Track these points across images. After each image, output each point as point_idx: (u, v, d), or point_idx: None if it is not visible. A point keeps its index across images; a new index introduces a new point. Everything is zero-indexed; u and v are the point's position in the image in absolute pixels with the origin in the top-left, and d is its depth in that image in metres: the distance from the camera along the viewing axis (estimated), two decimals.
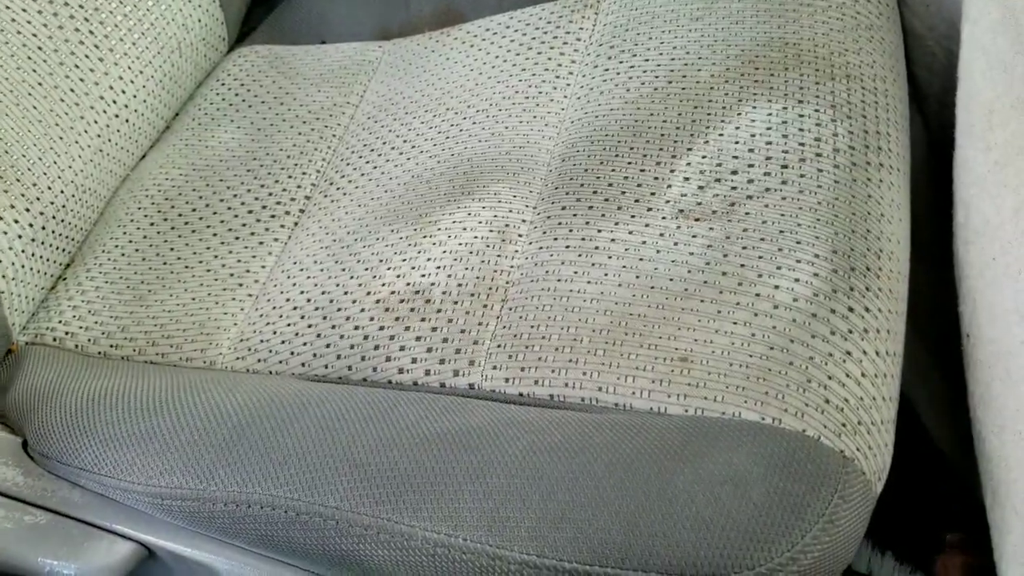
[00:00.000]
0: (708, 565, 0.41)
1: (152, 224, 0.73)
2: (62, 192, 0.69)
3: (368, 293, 0.61)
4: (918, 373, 0.79)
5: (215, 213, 0.72)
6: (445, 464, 0.47)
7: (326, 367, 0.59)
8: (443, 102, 0.73)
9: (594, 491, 0.44)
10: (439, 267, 0.61)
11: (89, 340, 0.66)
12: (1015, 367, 0.48)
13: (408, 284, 0.61)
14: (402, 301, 0.60)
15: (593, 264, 0.57)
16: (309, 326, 0.61)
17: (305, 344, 0.61)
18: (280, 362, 0.61)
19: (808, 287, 0.51)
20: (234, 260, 0.69)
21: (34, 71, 0.70)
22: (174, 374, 0.60)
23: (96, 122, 0.73)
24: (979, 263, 0.57)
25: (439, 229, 0.63)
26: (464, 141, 0.69)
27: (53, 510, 0.58)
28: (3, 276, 0.64)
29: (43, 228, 0.67)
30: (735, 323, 0.51)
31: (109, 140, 0.74)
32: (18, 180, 0.66)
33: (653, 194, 0.59)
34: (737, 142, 0.60)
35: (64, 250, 0.70)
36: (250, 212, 0.72)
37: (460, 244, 0.62)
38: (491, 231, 0.62)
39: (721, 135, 0.60)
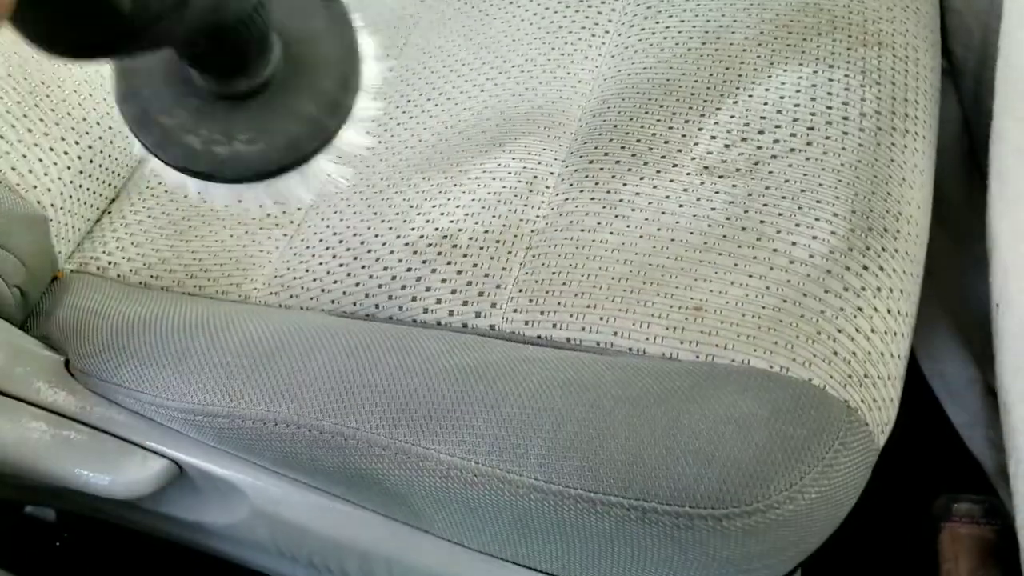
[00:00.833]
0: (707, 499, 0.43)
1: None
2: (110, 128, 0.72)
3: (398, 236, 0.63)
4: (936, 346, 0.80)
5: None
6: (461, 393, 0.49)
7: (354, 304, 0.61)
8: (480, 56, 0.75)
9: (602, 424, 0.46)
10: (467, 214, 0.63)
11: (131, 271, 0.69)
12: None
13: (436, 229, 0.63)
14: (430, 245, 0.62)
15: (616, 216, 0.58)
16: (340, 265, 0.64)
17: (335, 282, 0.63)
18: (311, 299, 0.63)
19: (825, 244, 0.52)
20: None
21: None
22: (210, 305, 0.63)
23: None
24: (1012, 233, 0.58)
25: (469, 178, 0.65)
26: (498, 95, 0.71)
27: (91, 425, 0.61)
28: (52, 205, 0.67)
29: (91, 162, 0.70)
30: (750, 276, 0.52)
31: None
32: (68, 115, 0.69)
33: (680, 151, 0.60)
34: (766, 103, 0.61)
35: (110, 184, 0.73)
36: None
37: (489, 193, 0.64)
38: (519, 182, 0.64)
39: (750, 96, 0.61)
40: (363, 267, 0.63)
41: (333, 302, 0.62)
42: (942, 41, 0.70)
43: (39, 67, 0.69)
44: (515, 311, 0.56)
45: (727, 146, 0.59)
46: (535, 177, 0.63)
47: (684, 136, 0.61)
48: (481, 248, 0.60)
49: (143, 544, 0.82)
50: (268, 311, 0.62)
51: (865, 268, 0.51)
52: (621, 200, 0.59)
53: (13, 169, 0.65)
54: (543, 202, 0.62)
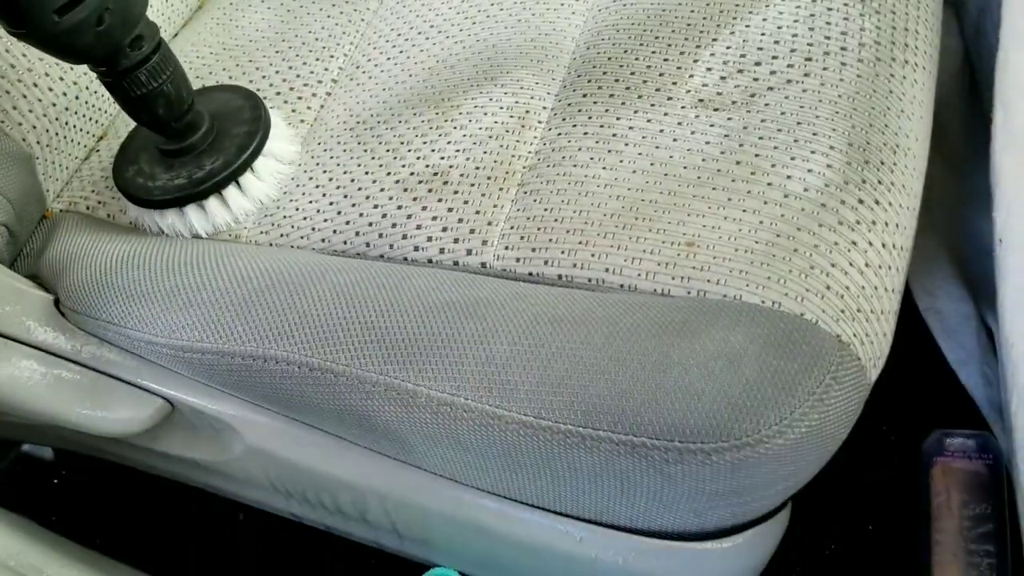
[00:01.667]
0: (696, 433, 0.43)
1: None
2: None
3: (388, 174, 0.63)
4: (932, 282, 0.80)
5: None
6: (451, 329, 0.49)
7: (345, 243, 0.61)
8: None
9: (592, 360, 0.45)
10: (458, 150, 0.62)
11: (120, 210, 0.68)
12: None
13: (427, 166, 0.62)
14: (420, 182, 0.61)
15: (609, 151, 0.57)
16: (331, 204, 0.63)
17: (326, 220, 0.62)
18: (301, 237, 0.63)
19: (820, 178, 0.51)
20: None
21: None
22: (199, 244, 0.62)
23: None
24: (1016, 168, 0.57)
25: (460, 113, 0.64)
26: (491, 27, 0.69)
27: (83, 364, 0.61)
28: (37, 143, 0.66)
29: (76, 98, 0.69)
30: (744, 211, 0.51)
31: None
32: None
33: (674, 83, 0.59)
34: (763, 34, 0.59)
35: (97, 121, 0.72)
36: (278, 94, 0.73)
37: (480, 128, 0.62)
38: (511, 116, 0.62)
39: (747, 26, 0.60)
40: (353, 205, 0.62)
41: (323, 241, 0.61)
42: None
43: None
44: (506, 248, 0.56)
45: (723, 78, 0.58)
46: (527, 112, 0.62)
47: (679, 68, 0.60)
48: (472, 185, 0.59)
49: (140, 481, 0.83)
50: (258, 249, 0.61)
51: (861, 202, 0.51)
52: (615, 135, 0.58)
53: None
54: (536, 137, 0.61)
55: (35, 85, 0.66)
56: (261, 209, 0.64)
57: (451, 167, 0.61)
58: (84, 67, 0.70)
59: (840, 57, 0.56)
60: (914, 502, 0.73)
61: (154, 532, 0.89)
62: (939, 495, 0.73)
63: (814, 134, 0.53)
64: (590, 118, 0.59)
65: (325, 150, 0.67)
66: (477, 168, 0.60)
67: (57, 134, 0.68)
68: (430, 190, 0.60)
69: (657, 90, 0.59)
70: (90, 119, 0.71)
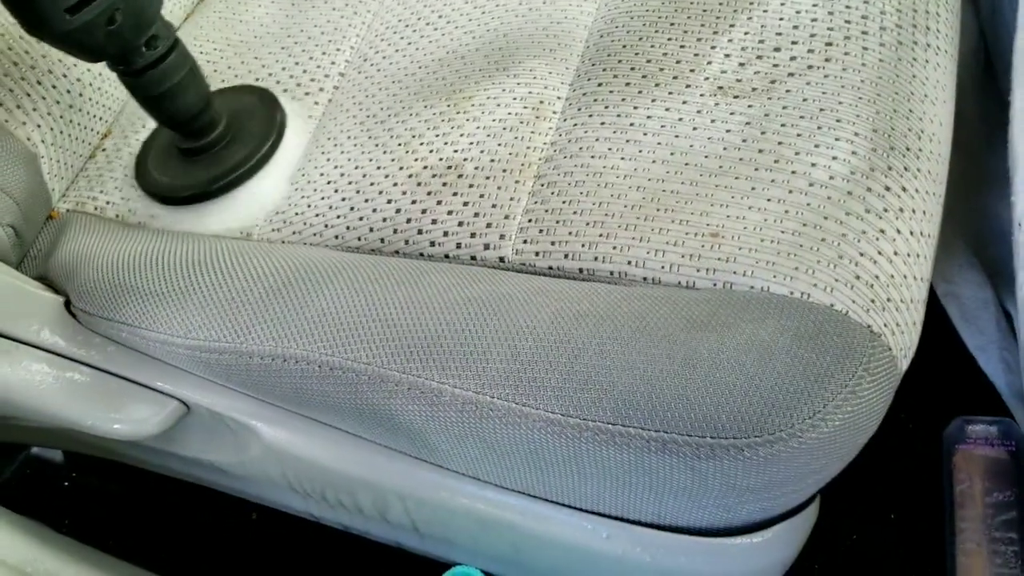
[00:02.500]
0: (728, 428, 0.42)
1: None
2: (88, 69, 0.69)
3: (401, 168, 0.61)
4: (950, 267, 0.79)
5: None
6: (474, 326, 0.48)
7: (359, 239, 0.60)
8: None
9: (619, 356, 0.44)
10: (472, 142, 0.61)
11: (129, 211, 0.67)
12: None
13: (441, 159, 0.61)
14: (434, 175, 0.60)
15: (628, 141, 0.56)
16: (343, 199, 0.62)
17: (339, 217, 0.61)
18: (315, 234, 0.62)
19: (845, 165, 0.50)
20: None
21: None
22: (212, 242, 0.61)
23: None
24: None
25: (473, 105, 0.63)
26: (500, 16, 0.68)
27: (95, 366, 0.60)
28: (42, 142, 0.65)
29: (80, 95, 0.68)
30: (769, 200, 0.50)
31: None
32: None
33: (692, 71, 0.58)
34: (782, 19, 0.58)
35: (101, 119, 0.71)
36: (285, 91, 0.71)
37: (494, 120, 0.61)
38: (525, 107, 0.61)
39: (766, 11, 0.59)
40: (366, 200, 0.61)
41: (337, 237, 0.60)
42: None
43: None
44: (525, 242, 0.55)
45: (742, 64, 0.57)
46: (541, 102, 0.61)
47: (697, 55, 0.59)
48: (487, 178, 0.58)
49: (152, 482, 0.82)
50: (272, 247, 0.60)
51: (887, 189, 0.50)
52: (632, 124, 0.57)
53: (1, 105, 0.63)
54: (551, 128, 0.60)
55: (39, 83, 0.65)
56: (275, 206, 0.63)
57: (465, 160, 0.60)
58: (87, 64, 0.69)
59: (862, 41, 0.55)
60: (936, 491, 0.73)
61: (167, 533, 0.88)
62: (961, 483, 0.72)
63: (838, 120, 0.52)
64: (606, 107, 0.58)
65: (335, 145, 0.66)
66: (492, 161, 0.59)
67: (62, 132, 0.67)
68: (444, 184, 0.59)
69: (674, 78, 0.58)
70: (94, 116, 0.70)
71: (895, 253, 0.48)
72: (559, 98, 0.61)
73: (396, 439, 0.54)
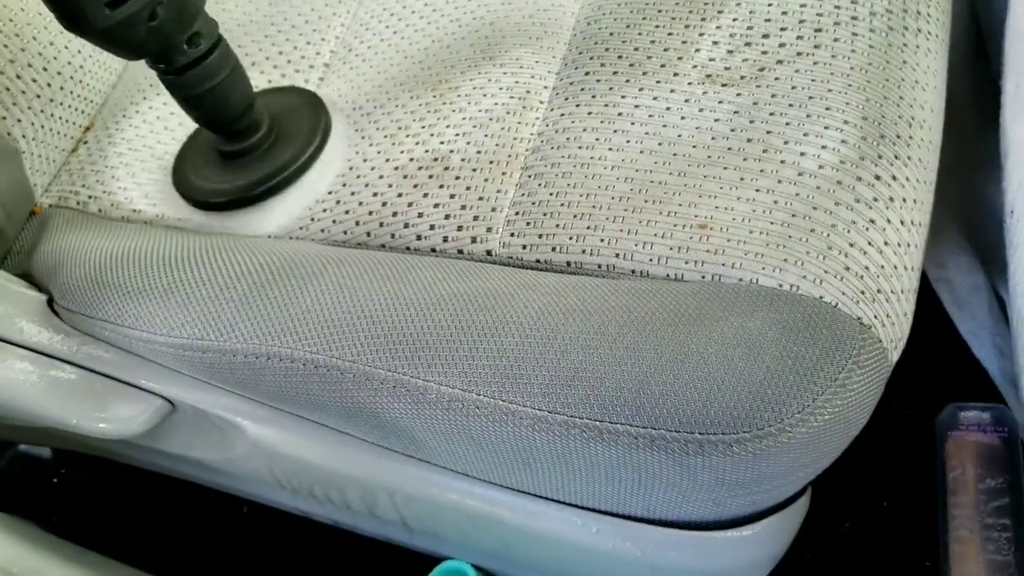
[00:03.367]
0: (717, 424, 0.41)
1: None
2: (79, 52, 0.68)
3: (387, 160, 0.61)
4: (942, 252, 0.78)
5: None
6: (460, 322, 0.47)
7: (345, 233, 0.59)
8: None
9: (607, 351, 0.44)
10: (458, 134, 0.60)
11: (111, 205, 0.66)
12: None
13: (427, 151, 0.60)
14: (420, 167, 0.59)
15: (615, 131, 0.55)
16: (329, 193, 0.61)
17: (324, 210, 0.60)
18: (300, 228, 0.61)
19: (835, 154, 0.50)
20: None
21: None
22: (196, 238, 0.61)
23: None
24: None
25: (459, 95, 0.62)
26: (487, 4, 0.67)
27: (79, 365, 0.59)
28: (23, 136, 0.64)
29: (60, 88, 0.67)
30: (757, 190, 0.50)
31: None
32: (34, 39, 0.65)
33: (680, 59, 0.57)
34: (771, 4, 0.57)
35: (82, 111, 0.70)
36: (269, 81, 0.70)
37: (480, 110, 0.61)
38: (512, 97, 0.61)
39: None
40: (352, 194, 0.60)
41: (323, 231, 0.60)
42: None
43: None
44: (512, 235, 0.54)
45: (730, 52, 0.56)
46: (528, 92, 0.60)
47: (684, 42, 0.58)
48: (474, 170, 0.58)
49: (142, 479, 0.82)
50: (257, 242, 0.60)
51: (877, 178, 0.49)
52: (620, 114, 0.56)
53: None
54: (537, 118, 0.59)
55: (18, 77, 0.64)
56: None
57: (451, 151, 0.59)
58: (68, 56, 0.67)
59: (851, 27, 0.55)
60: (929, 477, 0.72)
61: (157, 530, 0.88)
62: (954, 469, 0.72)
63: (827, 108, 0.52)
64: (594, 97, 0.57)
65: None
66: (478, 152, 0.58)
67: (43, 126, 0.66)
68: (431, 176, 0.58)
69: (662, 66, 0.57)
70: (76, 109, 0.69)
71: (885, 243, 0.48)
72: (546, 87, 0.61)
73: (383, 436, 0.53)
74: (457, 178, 0.57)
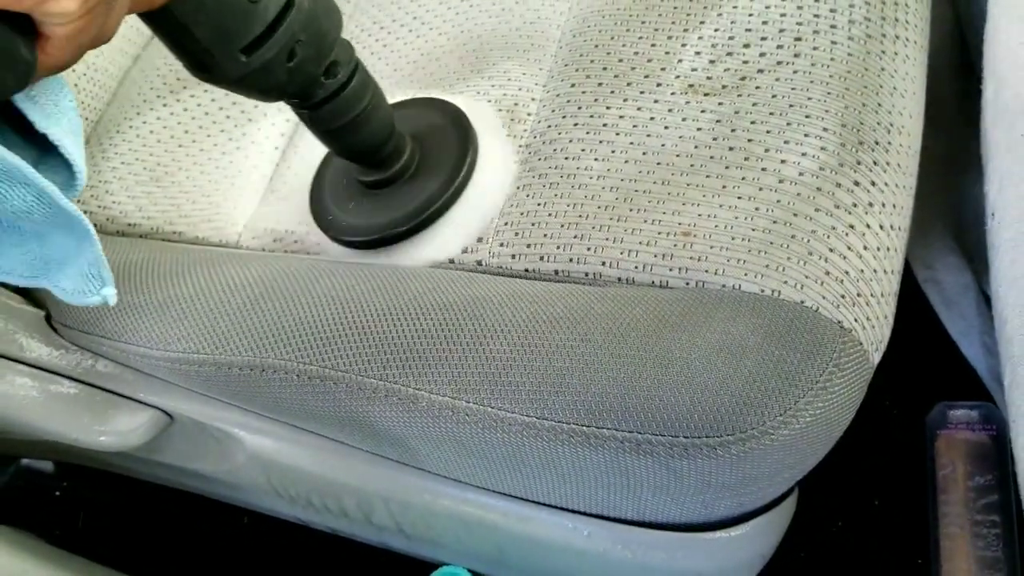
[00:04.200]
0: (701, 427, 0.42)
1: (165, 105, 0.73)
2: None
3: None
4: (930, 252, 0.79)
5: (227, 95, 0.72)
6: (449, 331, 0.48)
7: None
8: None
9: (593, 357, 0.45)
10: None
11: (107, 219, 0.67)
12: None
13: None
14: None
15: (601, 141, 0.56)
16: None
17: None
18: (295, 241, 0.62)
19: (814, 161, 0.51)
20: (248, 142, 0.69)
21: None
22: (190, 252, 0.62)
23: None
24: (1007, 141, 0.56)
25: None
26: (475, 18, 0.68)
27: (78, 379, 0.60)
28: None
29: None
30: (739, 198, 0.51)
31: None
32: None
33: (663, 69, 0.58)
34: (751, 14, 0.58)
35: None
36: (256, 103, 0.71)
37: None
38: (500, 110, 0.62)
39: (735, 7, 0.59)
40: None
41: (317, 244, 0.61)
42: None
43: None
44: (501, 245, 0.55)
45: (712, 62, 0.57)
46: (516, 104, 0.61)
47: (667, 53, 0.59)
48: None
49: (143, 491, 0.83)
50: (251, 256, 0.61)
51: (856, 184, 0.50)
52: (605, 124, 0.57)
53: None
54: (525, 130, 0.60)
55: None
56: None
57: None
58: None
59: (830, 35, 0.56)
60: (919, 475, 0.73)
61: (159, 541, 0.89)
62: (944, 467, 0.73)
63: (807, 116, 0.53)
64: (580, 108, 0.58)
65: (312, 150, 0.66)
66: None
67: None
68: None
69: (646, 76, 0.58)
70: None
71: (864, 248, 0.49)
72: (533, 99, 0.62)
73: (377, 444, 0.54)
74: None
